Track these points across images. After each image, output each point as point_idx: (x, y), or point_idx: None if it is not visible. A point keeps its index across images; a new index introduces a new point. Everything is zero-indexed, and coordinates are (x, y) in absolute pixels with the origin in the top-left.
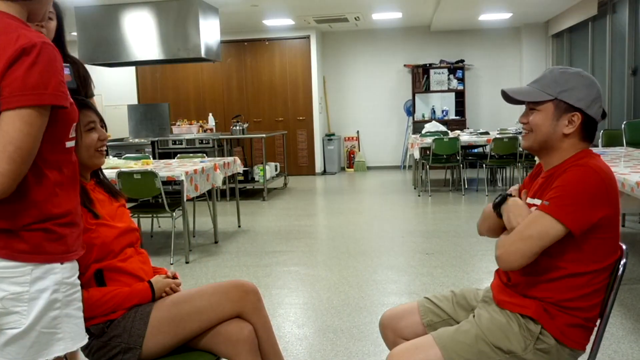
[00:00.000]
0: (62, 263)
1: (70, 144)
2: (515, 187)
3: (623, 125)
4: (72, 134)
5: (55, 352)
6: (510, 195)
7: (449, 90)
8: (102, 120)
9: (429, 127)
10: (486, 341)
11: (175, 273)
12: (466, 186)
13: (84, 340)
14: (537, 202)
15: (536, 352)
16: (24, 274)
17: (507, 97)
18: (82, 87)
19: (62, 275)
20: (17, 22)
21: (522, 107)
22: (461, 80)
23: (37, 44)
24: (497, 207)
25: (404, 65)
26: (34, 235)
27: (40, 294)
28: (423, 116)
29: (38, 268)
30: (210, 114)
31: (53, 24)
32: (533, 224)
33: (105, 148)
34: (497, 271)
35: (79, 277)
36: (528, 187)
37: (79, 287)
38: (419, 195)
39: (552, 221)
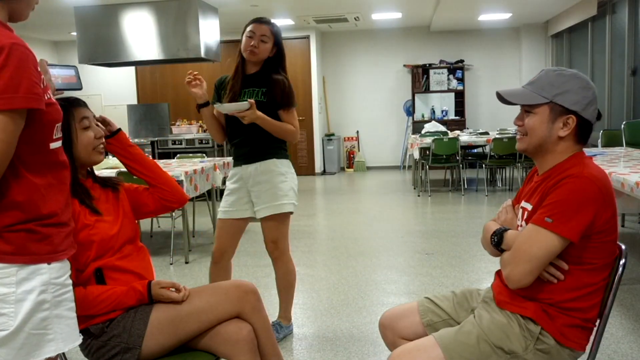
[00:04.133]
0: (49, 263)
1: (55, 145)
2: (509, 202)
3: (622, 126)
4: (57, 135)
5: (47, 353)
6: (505, 229)
7: (449, 91)
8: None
9: (429, 127)
10: (487, 342)
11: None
12: (466, 186)
13: (77, 340)
14: (529, 206)
15: (536, 353)
16: (9, 275)
17: (502, 99)
18: (287, 101)
19: (50, 275)
20: None
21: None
22: (461, 80)
23: (5, 46)
24: (498, 246)
25: (404, 66)
26: (17, 236)
27: (27, 295)
28: (423, 116)
29: (23, 269)
30: None
31: (267, 45)
32: (538, 243)
33: (103, 146)
34: (497, 272)
35: (79, 275)
36: (521, 195)
37: (70, 287)
38: (418, 196)
39: (557, 238)
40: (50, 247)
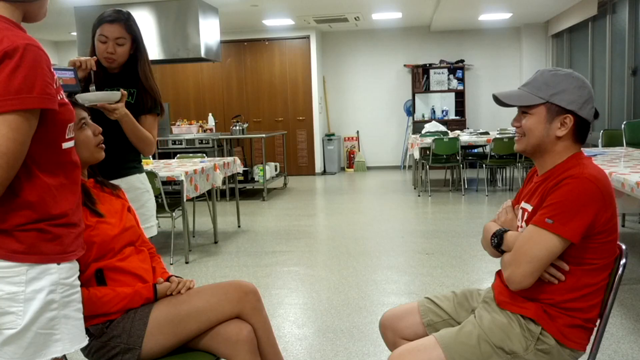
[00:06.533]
0: (58, 263)
1: (67, 144)
2: (509, 202)
3: (623, 125)
4: (69, 135)
5: (53, 353)
6: (505, 230)
7: (449, 90)
8: (90, 115)
9: (429, 127)
10: (488, 342)
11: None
12: (466, 186)
13: (84, 341)
14: (529, 207)
15: (537, 353)
16: (19, 274)
17: (499, 101)
18: (156, 108)
19: (59, 275)
20: (4, 23)
21: None
22: (461, 80)
23: (19, 47)
24: (498, 247)
25: (404, 65)
26: (28, 235)
27: (36, 295)
28: (423, 116)
29: (33, 268)
30: (210, 114)
31: (126, 47)
32: (539, 244)
33: (102, 142)
34: (497, 272)
35: (79, 276)
36: (521, 196)
37: (79, 288)
38: (419, 195)
39: (557, 239)
40: (61, 247)
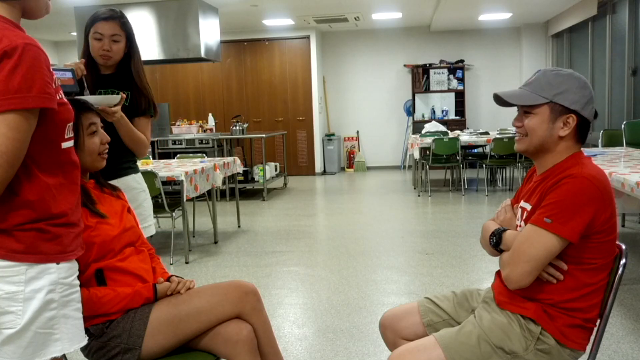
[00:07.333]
0: (58, 263)
1: (66, 144)
2: (508, 201)
3: (623, 125)
4: (69, 135)
5: (52, 353)
6: (504, 229)
7: (449, 90)
8: (103, 121)
9: (429, 127)
10: (488, 342)
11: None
12: (466, 186)
13: (83, 341)
14: (528, 206)
15: (537, 353)
16: (18, 273)
17: (501, 100)
18: (149, 110)
19: (58, 275)
20: (3, 23)
21: None
22: (461, 80)
23: (18, 46)
24: (497, 246)
25: (404, 65)
26: (28, 235)
27: (35, 294)
28: (423, 116)
29: (32, 268)
30: (210, 114)
31: (121, 45)
32: (537, 243)
33: (106, 151)
34: (497, 272)
35: (79, 276)
36: (520, 195)
37: (78, 288)
38: (418, 195)
39: (556, 239)
40: (60, 247)
